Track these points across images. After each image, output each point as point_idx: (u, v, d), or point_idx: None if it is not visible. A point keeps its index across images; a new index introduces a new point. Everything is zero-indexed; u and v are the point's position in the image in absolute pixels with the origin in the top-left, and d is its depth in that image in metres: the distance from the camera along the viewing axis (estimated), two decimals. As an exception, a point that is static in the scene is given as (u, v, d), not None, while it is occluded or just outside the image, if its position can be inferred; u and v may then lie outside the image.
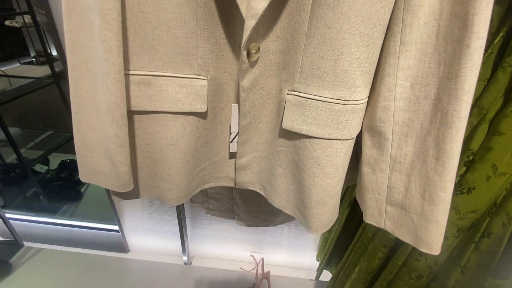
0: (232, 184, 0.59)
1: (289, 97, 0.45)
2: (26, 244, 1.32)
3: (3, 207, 1.36)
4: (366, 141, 0.47)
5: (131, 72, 0.43)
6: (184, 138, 0.49)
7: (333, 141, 0.44)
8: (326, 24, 0.38)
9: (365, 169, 0.48)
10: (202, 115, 0.49)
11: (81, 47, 0.41)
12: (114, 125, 0.42)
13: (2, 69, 1.50)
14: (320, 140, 0.44)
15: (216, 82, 0.47)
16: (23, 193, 1.47)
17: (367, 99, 0.44)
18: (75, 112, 0.46)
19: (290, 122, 0.45)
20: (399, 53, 0.38)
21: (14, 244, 1.30)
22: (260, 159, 0.55)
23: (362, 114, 0.44)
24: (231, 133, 0.52)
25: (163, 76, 0.44)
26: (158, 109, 0.45)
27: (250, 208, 0.79)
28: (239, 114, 0.49)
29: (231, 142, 0.53)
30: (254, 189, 0.58)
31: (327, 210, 0.50)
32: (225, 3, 0.41)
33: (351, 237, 0.91)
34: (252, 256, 1.31)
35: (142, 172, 0.52)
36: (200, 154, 0.54)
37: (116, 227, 1.27)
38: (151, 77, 0.43)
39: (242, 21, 0.39)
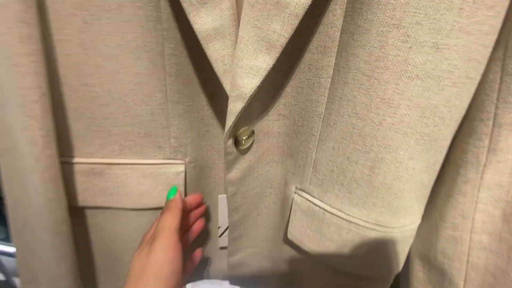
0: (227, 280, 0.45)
1: (297, 198, 0.31)
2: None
3: None
4: (418, 273, 0.31)
5: (75, 160, 0.31)
6: (154, 236, 0.36)
7: (370, 281, 0.29)
8: (355, 112, 0.24)
9: None
10: (178, 208, 0.36)
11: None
12: (48, 232, 0.30)
13: None
14: (348, 276, 0.30)
15: (199, 165, 0.35)
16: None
17: (420, 220, 0.29)
18: (10, 208, 0.35)
19: (299, 235, 0.31)
20: (484, 165, 0.24)
21: None
22: (260, 256, 0.41)
23: (411, 241, 0.29)
24: (219, 227, 0.39)
25: (121, 164, 0.31)
26: (115, 205, 0.33)
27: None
28: (228, 209, 0.36)
29: (220, 236, 0.40)
30: None
31: None
32: (205, 68, 0.29)
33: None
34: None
35: (101, 275, 0.40)
36: (180, 247, 0.40)
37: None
38: (103, 165, 0.31)
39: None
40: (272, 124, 0.30)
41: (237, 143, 0.29)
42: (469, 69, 0.21)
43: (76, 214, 0.34)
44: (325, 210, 0.28)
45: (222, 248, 0.42)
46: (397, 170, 0.24)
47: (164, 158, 0.33)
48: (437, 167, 0.25)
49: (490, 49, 0.21)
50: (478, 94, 0.23)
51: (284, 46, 0.21)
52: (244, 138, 0.28)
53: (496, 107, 0.23)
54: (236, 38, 0.23)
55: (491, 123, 0.23)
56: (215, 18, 0.22)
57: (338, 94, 0.25)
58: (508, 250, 0.25)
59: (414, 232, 0.28)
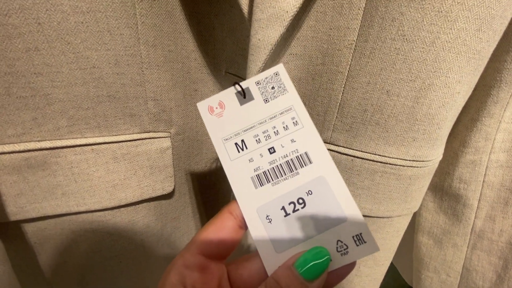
0: None
1: None
2: None
3: None
4: (428, 203, 0.32)
5: (-8, 149, 0.19)
6: (137, 238, 0.27)
7: (395, 218, 0.27)
8: (402, 34, 0.20)
9: (424, 239, 0.33)
10: (165, 197, 0.27)
11: None
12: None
13: None
14: (375, 219, 0.27)
15: (188, 137, 0.26)
16: None
17: None
18: None
19: None
20: None
21: None
22: None
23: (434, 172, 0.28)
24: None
25: (75, 147, 0.21)
26: (75, 209, 0.22)
27: None
28: None
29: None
30: None
31: None
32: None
33: None
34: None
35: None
36: (169, 245, 0.32)
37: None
38: (45, 152, 0.20)
39: (233, 26, 0.19)
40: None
41: None
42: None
43: (11, 232, 0.22)
44: (354, 156, 0.24)
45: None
46: (444, 96, 0.21)
47: (141, 132, 0.23)
48: (472, 89, 0.24)
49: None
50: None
51: None
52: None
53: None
54: None
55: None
56: None
57: (379, 13, 0.20)
58: (524, 165, 0.26)
59: (438, 163, 0.27)
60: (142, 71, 0.21)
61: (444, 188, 0.29)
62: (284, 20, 0.16)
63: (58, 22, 0.17)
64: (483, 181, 0.27)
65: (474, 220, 0.29)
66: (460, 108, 0.24)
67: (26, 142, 0.19)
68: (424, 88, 0.21)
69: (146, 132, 0.23)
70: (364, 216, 0.27)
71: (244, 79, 0.21)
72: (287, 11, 0.16)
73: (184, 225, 0.33)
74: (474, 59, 0.20)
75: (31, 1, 0.16)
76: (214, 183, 0.32)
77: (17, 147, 0.19)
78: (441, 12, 0.19)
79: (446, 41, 0.19)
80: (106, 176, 0.22)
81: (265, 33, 0.17)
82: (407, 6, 0.19)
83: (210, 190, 0.33)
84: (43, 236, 0.24)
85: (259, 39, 0.17)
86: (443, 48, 0.20)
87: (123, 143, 0.22)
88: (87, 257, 0.26)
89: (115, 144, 0.22)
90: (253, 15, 0.17)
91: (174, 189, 0.28)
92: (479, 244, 0.30)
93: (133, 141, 0.23)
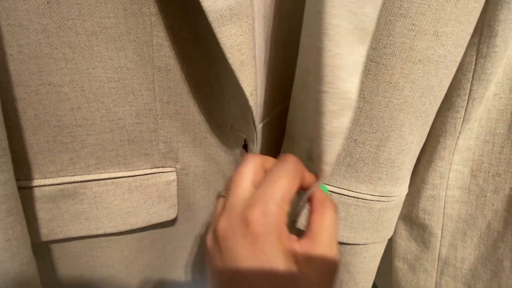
0: None
1: None
2: None
3: None
4: (401, 231, 0.35)
5: (35, 182, 0.24)
6: (143, 254, 0.32)
7: (370, 244, 0.31)
8: (363, 97, 0.25)
9: (399, 264, 0.37)
10: (170, 222, 0.32)
11: None
12: (11, 280, 0.23)
13: None
14: (353, 245, 0.31)
15: (194, 172, 0.31)
16: None
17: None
18: None
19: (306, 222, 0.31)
20: (459, 132, 0.27)
21: None
22: None
23: (401, 205, 0.32)
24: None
25: (100, 180, 0.26)
26: (94, 232, 0.27)
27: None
28: None
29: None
30: None
31: None
32: (206, 61, 0.25)
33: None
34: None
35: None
36: (171, 262, 0.36)
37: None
38: (76, 184, 0.25)
39: (236, 95, 0.24)
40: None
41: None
42: (457, 53, 0.24)
43: (38, 249, 0.26)
44: (331, 192, 0.29)
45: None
46: (400, 145, 0.26)
47: (152, 167, 0.28)
48: (424, 139, 0.29)
49: (470, 36, 0.24)
50: (456, 75, 0.27)
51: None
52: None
53: (471, 84, 0.26)
54: (253, 21, 0.21)
55: (466, 97, 0.27)
56: None
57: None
58: (476, 199, 0.30)
59: (404, 198, 0.31)
60: (157, 120, 0.26)
61: (412, 218, 0.34)
62: (353, 106, 0.19)
63: (96, 89, 0.23)
64: (444, 213, 0.31)
65: (439, 248, 0.33)
66: (417, 153, 0.29)
67: (62, 177, 0.24)
68: (384, 139, 0.26)
69: (156, 168, 0.28)
70: (342, 243, 0.31)
71: (244, 135, 0.26)
72: (353, 99, 0.18)
73: (187, 247, 0.37)
74: (421, 117, 0.26)
75: (79, 76, 0.22)
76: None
77: (55, 180, 0.24)
78: (391, 83, 0.24)
79: (397, 104, 0.25)
80: (121, 204, 0.27)
81: (340, 121, 0.19)
82: (365, 77, 0.24)
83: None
84: (65, 253, 0.28)
85: (335, 127, 0.19)
86: (395, 109, 0.25)
87: (137, 176, 0.27)
88: (100, 272, 0.30)
89: (130, 178, 0.27)
90: (323, 107, 0.19)
91: (177, 215, 0.32)
92: (445, 270, 0.33)
93: (145, 175, 0.28)
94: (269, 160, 0.21)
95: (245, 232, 0.16)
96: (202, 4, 0.18)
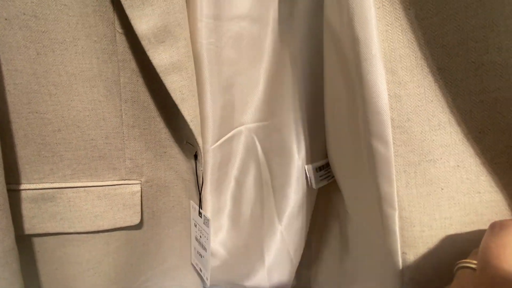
0: None
1: None
2: None
3: None
4: None
5: (22, 186, 0.30)
6: (109, 257, 0.36)
7: None
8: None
9: None
10: (135, 226, 0.37)
11: None
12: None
13: None
14: None
15: (156, 184, 0.36)
16: None
17: None
18: None
19: None
20: None
21: None
22: None
23: None
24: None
25: (73, 188, 0.32)
26: (67, 230, 0.33)
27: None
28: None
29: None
30: None
31: None
32: (162, 95, 0.31)
33: None
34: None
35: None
36: (138, 267, 0.41)
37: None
38: (54, 190, 0.31)
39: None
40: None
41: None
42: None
43: (22, 243, 0.32)
44: None
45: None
46: None
47: (119, 179, 0.34)
48: None
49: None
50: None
51: None
52: None
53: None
54: (192, 72, 0.27)
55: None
56: (172, 54, 0.26)
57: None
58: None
59: None
60: (124, 141, 0.32)
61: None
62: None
63: (73, 116, 0.29)
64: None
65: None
66: None
67: (44, 183, 0.31)
68: None
69: (123, 180, 0.34)
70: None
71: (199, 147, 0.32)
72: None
73: (153, 252, 0.41)
74: None
75: (60, 106, 0.28)
76: (180, 218, 0.42)
77: (38, 186, 0.30)
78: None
79: None
80: (91, 208, 0.33)
81: None
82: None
83: (176, 225, 0.42)
84: (44, 247, 0.34)
85: None
86: None
87: (105, 186, 0.33)
88: (71, 268, 0.35)
89: (100, 187, 0.33)
90: None
91: (143, 222, 0.37)
92: None
93: (113, 186, 0.33)
94: None
95: None
96: (152, 61, 0.25)
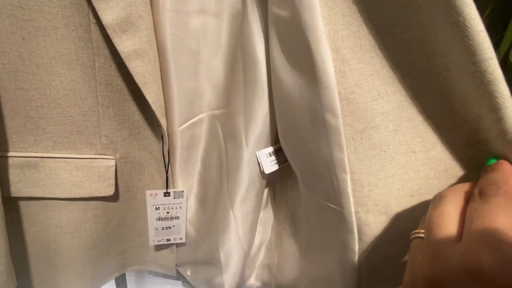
0: (171, 272, 0.50)
1: None
2: None
3: None
4: None
5: (10, 154, 0.35)
6: (87, 224, 0.41)
7: None
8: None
9: None
10: (110, 198, 0.41)
11: None
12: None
13: None
14: None
15: (131, 161, 0.41)
16: None
17: None
18: None
19: None
20: None
21: None
22: None
23: None
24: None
25: (54, 158, 0.36)
26: (47, 195, 0.37)
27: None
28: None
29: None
30: None
31: None
32: (132, 80, 0.36)
33: None
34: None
35: (34, 262, 0.43)
36: (115, 237, 0.45)
37: None
38: (37, 159, 0.36)
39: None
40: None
41: None
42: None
43: (9, 205, 0.37)
44: None
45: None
46: None
47: (95, 154, 0.38)
48: None
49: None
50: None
51: None
52: None
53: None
54: (154, 58, 0.31)
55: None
56: (134, 42, 0.30)
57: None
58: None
59: None
60: (99, 120, 0.37)
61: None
62: None
63: (54, 94, 0.33)
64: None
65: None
66: None
67: (28, 152, 0.35)
68: None
69: (99, 154, 0.38)
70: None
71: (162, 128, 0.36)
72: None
73: (129, 224, 0.46)
74: None
75: (42, 84, 0.33)
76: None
77: (23, 154, 0.35)
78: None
79: None
80: (69, 178, 0.37)
81: None
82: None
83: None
84: (28, 210, 0.39)
85: None
86: None
87: (83, 159, 0.37)
88: (52, 230, 0.40)
89: (78, 159, 0.37)
90: None
91: (119, 195, 0.41)
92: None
93: (89, 159, 0.38)
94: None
95: (476, 281, 0.14)
96: (117, 48, 0.29)
